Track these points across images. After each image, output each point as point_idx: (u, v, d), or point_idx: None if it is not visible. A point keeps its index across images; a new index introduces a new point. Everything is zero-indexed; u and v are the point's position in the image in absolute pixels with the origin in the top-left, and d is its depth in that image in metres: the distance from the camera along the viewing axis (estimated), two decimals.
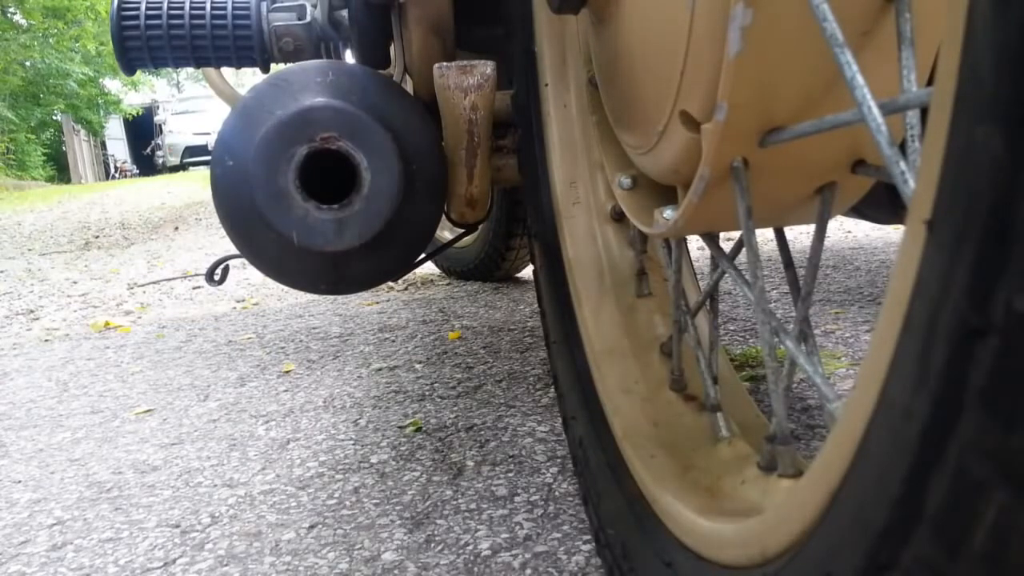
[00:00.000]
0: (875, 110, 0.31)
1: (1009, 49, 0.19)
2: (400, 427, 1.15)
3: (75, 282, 3.24)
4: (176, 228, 5.03)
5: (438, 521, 0.85)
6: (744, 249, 0.46)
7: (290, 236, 0.50)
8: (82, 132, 20.02)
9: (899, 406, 0.25)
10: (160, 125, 20.37)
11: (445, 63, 0.54)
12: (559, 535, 0.79)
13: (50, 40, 14.91)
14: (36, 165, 17.08)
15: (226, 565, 0.81)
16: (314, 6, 0.90)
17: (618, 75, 0.55)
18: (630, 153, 0.59)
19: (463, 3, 0.68)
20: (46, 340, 2.11)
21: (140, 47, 0.87)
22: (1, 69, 13.67)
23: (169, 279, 3.06)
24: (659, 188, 0.59)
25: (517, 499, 0.88)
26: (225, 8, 0.89)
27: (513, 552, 0.77)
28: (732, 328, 1.45)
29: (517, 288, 2.09)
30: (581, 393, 0.72)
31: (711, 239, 0.54)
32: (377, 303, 2.11)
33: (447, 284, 2.28)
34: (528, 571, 0.73)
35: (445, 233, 1.95)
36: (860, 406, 0.27)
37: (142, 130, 23.21)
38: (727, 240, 2.26)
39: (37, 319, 2.45)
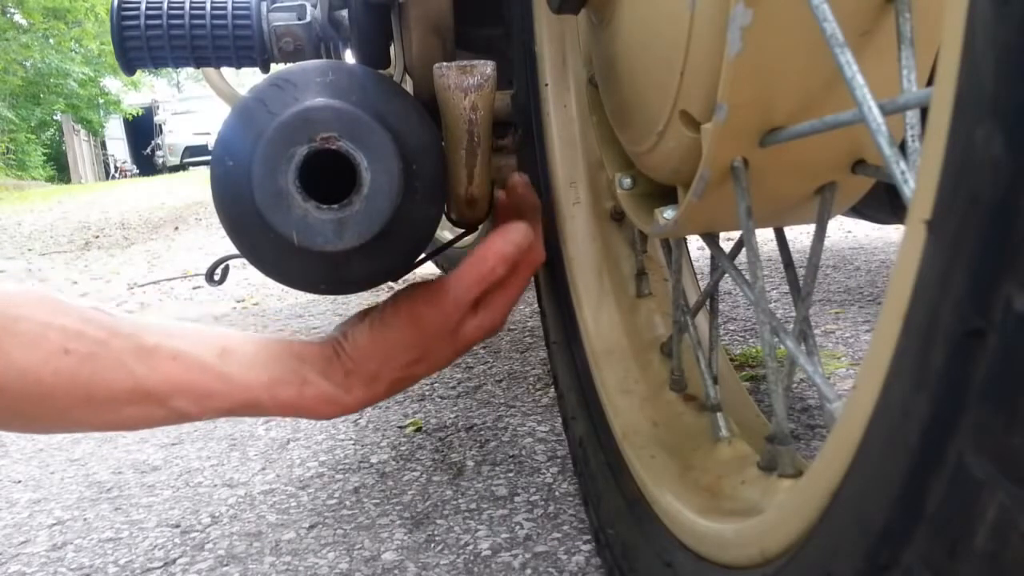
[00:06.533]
0: (875, 110, 0.31)
1: (1009, 49, 0.19)
2: (400, 427, 1.15)
3: (75, 282, 3.24)
4: (176, 228, 5.03)
5: (438, 521, 0.85)
6: (744, 249, 0.46)
7: (290, 236, 0.50)
8: (82, 132, 20.03)
9: (899, 406, 0.25)
10: (160, 125, 20.38)
11: (445, 63, 0.54)
12: (559, 535, 0.79)
13: (50, 40, 14.92)
14: (36, 165, 17.10)
15: (226, 565, 0.81)
16: (314, 6, 0.90)
17: (618, 75, 0.55)
18: (630, 153, 0.59)
19: (463, 3, 0.68)
20: None
21: (140, 47, 0.87)
22: (1, 69, 13.67)
23: (169, 279, 3.06)
24: (659, 188, 0.59)
25: (517, 499, 0.88)
26: (225, 8, 0.89)
27: (513, 552, 0.77)
28: (732, 328, 1.45)
29: None
30: (581, 393, 0.72)
31: (711, 239, 0.54)
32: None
33: None
34: (528, 571, 0.73)
35: (445, 233, 1.95)
36: (860, 406, 0.27)
37: (142, 130, 23.21)
38: (727, 240, 2.26)
39: None
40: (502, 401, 1.21)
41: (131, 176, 19.67)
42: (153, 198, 6.94)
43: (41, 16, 14.24)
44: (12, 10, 14.35)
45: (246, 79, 1.02)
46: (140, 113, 20.31)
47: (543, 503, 0.86)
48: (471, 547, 0.79)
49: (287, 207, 0.50)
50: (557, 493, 0.88)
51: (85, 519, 0.97)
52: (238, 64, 0.92)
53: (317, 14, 0.87)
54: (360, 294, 2.46)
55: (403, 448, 1.07)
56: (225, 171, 0.54)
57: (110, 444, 1.24)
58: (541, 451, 1.00)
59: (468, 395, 1.26)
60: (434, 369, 0.60)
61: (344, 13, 0.77)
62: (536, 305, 1.33)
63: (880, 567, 0.26)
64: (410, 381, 0.60)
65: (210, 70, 0.98)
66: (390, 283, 2.37)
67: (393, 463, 1.02)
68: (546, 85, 0.76)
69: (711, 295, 0.60)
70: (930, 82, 0.32)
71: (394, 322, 0.57)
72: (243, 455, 1.12)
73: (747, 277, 0.46)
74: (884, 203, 0.95)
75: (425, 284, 0.57)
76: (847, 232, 2.39)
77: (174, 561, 0.84)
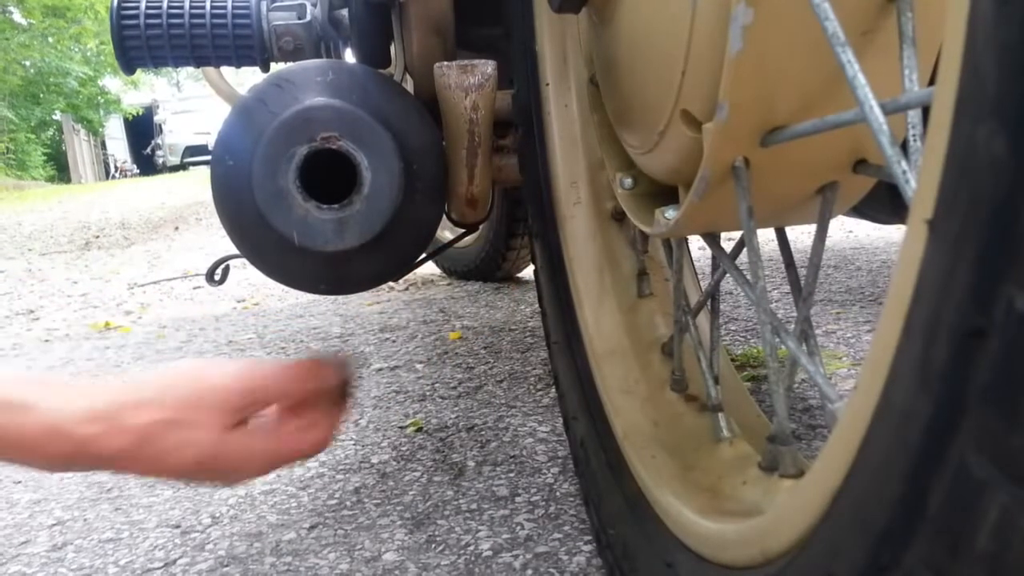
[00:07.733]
0: (877, 109, 0.31)
1: (1010, 48, 0.19)
2: (401, 427, 1.15)
3: (75, 282, 3.24)
4: (176, 228, 5.03)
5: (439, 521, 0.85)
6: (745, 249, 0.46)
7: (290, 236, 0.50)
8: (82, 132, 20.02)
9: (901, 406, 0.25)
10: (160, 125, 20.38)
11: (446, 63, 0.54)
12: (560, 535, 0.79)
13: (49, 39, 14.92)
14: (36, 165, 17.09)
15: (227, 566, 0.81)
16: (314, 5, 0.90)
17: (619, 75, 0.55)
18: (631, 153, 0.59)
19: (464, 3, 0.68)
20: (46, 340, 2.11)
21: (140, 46, 0.87)
22: (1, 69, 13.67)
23: (169, 279, 3.06)
24: (660, 188, 0.59)
25: (518, 499, 0.88)
26: (225, 8, 0.89)
27: (514, 552, 0.77)
28: (733, 328, 1.44)
29: (518, 288, 2.09)
30: (582, 393, 0.72)
31: (712, 239, 0.54)
32: (378, 303, 2.11)
33: (448, 284, 2.28)
34: (529, 571, 0.73)
35: (446, 233, 1.95)
36: (862, 406, 0.27)
37: (142, 129, 23.19)
38: (728, 240, 2.26)
39: (37, 319, 2.45)
40: (503, 401, 1.21)
41: (131, 176, 19.66)
42: (153, 198, 6.94)
43: (41, 15, 14.24)
44: (12, 9, 14.36)
45: (246, 79, 1.02)
46: (140, 113, 20.31)
47: (544, 503, 0.86)
48: (472, 547, 0.79)
49: (288, 207, 0.50)
50: (558, 493, 0.88)
51: (85, 519, 0.97)
52: (238, 63, 0.92)
53: (317, 13, 0.87)
54: (360, 294, 2.47)
55: (404, 448, 1.07)
56: (225, 171, 0.54)
57: None
58: (542, 451, 1.00)
59: (469, 395, 1.26)
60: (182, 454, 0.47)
61: (344, 12, 0.77)
62: (537, 305, 1.33)
63: (881, 567, 0.26)
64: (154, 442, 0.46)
65: (210, 70, 0.98)
66: (390, 283, 2.37)
67: (394, 463, 1.02)
68: (547, 84, 0.76)
69: (712, 295, 0.60)
70: (932, 82, 0.32)
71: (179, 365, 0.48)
72: None
73: (748, 277, 0.46)
74: (885, 203, 0.95)
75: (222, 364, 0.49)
76: (848, 232, 2.39)
77: (174, 562, 0.83)
